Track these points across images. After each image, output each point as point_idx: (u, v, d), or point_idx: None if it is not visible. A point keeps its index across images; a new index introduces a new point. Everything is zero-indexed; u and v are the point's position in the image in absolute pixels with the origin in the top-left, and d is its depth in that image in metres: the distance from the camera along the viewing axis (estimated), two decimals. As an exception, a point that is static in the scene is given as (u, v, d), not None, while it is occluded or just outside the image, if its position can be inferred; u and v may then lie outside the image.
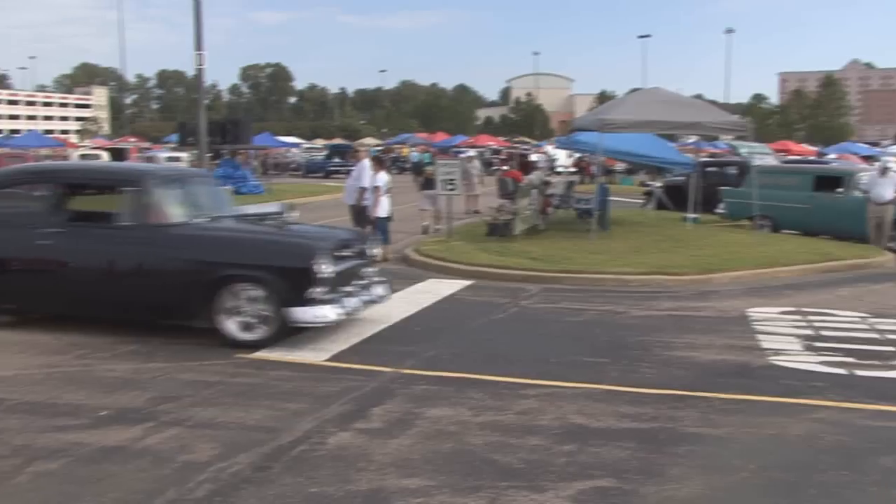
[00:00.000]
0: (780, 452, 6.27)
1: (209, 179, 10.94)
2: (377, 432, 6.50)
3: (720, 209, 21.76)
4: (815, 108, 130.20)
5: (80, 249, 9.50)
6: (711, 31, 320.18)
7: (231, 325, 9.02)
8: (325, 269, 9.03)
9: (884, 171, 18.12)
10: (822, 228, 19.26)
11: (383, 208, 15.61)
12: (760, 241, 17.48)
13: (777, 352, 9.26)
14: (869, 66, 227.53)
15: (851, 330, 10.50)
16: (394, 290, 11.45)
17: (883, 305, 12.13)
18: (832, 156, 48.42)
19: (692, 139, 38.22)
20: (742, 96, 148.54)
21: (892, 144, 72.80)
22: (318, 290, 8.95)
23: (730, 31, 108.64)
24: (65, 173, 11.00)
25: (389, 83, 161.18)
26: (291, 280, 8.92)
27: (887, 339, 10.07)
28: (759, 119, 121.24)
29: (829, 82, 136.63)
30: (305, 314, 8.93)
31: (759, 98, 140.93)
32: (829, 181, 19.80)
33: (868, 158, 43.38)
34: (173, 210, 9.73)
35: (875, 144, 74.84)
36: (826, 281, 14.32)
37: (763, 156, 36.25)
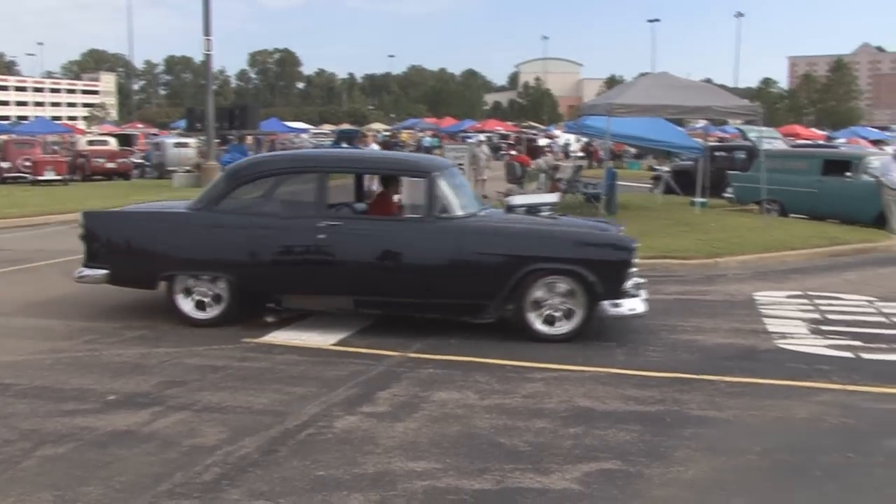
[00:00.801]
0: (785, 435, 6.29)
1: (456, 170, 10.46)
2: (384, 416, 6.52)
3: (728, 193, 21.74)
4: (825, 93, 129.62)
5: (366, 243, 8.98)
6: (721, 15, 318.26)
7: (535, 320, 8.83)
8: (637, 262, 9.04)
9: (896, 155, 18.08)
10: (829, 212, 19.23)
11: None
12: (768, 225, 17.45)
13: (783, 335, 9.27)
14: (880, 49, 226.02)
15: (858, 313, 10.50)
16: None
17: (889, 289, 12.12)
18: (841, 140, 48.34)
19: (701, 123, 38.09)
20: (751, 80, 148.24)
21: (902, 128, 72.47)
22: (631, 282, 8.88)
23: (739, 14, 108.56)
24: (340, 162, 10.42)
25: (398, 68, 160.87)
26: (609, 273, 8.73)
27: (894, 322, 10.08)
28: (769, 103, 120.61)
29: (839, 66, 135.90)
30: (621, 307, 8.81)
31: (768, 82, 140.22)
32: (838, 165, 19.74)
33: (877, 143, 43.26)
34: (460, 202, 9.31)
35: (885, 129, 74.50)
36: (833, 265, 14.31)
37: (772, 140, 36.11)
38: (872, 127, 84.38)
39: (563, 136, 46.83)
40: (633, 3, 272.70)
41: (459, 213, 9.12)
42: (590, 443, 5.99)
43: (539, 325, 8.81)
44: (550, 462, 5.64)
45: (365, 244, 8.93)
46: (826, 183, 19.41)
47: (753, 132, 25.92)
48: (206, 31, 23.34)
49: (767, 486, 5.43)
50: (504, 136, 53.56)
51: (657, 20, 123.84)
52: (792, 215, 19.81)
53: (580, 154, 37.51)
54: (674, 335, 9.23)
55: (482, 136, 41.76)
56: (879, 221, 17.92)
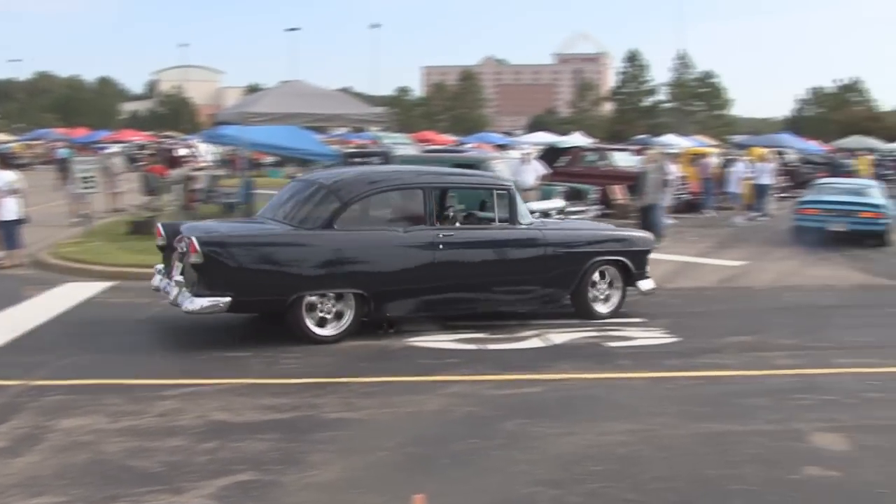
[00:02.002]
0: (415, 428, 6.57)
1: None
2: (1, 452, 6.01)
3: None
4: (456, 101, 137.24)
5: (477, 250, 10.11)
6: (359, 25, 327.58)
7: (593, 301, 10.86)
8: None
9: (525, 158, 19.53)
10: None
11: (9, 210, 14.39)
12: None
13: (416, 332, 9.67)
14: (502, 62, 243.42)
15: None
16: (28, 297, 10.80)
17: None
18: (470, 145, 51.34)
19: (341, 130, 38.95)
20: (388, 89, 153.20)
21: (523, 134, 78.58)
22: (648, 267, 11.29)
23: (376, 25, 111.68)
24: (441, 179, 10.92)
25: (23, 74, 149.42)
26: (641, 261, 11.16)
27: (515, 312, 10.84)
28: (405, 110, 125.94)
29: (467, 76, 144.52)
30: (648, 284, 11.28)
31: (403, 91, 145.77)
32: (464, 167, 20.88)
33: (502, 147, 46.42)
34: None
35: (509, 134, 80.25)
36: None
37: (405, 146, 37.68)
38: (498, 133, 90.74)
39: (202, 146, 45.87)
40: (273, 11, 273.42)
41: (530, 220, 10.77)
42: (225, 456, 5.90)
43: (596, 305, 10.86)
44: (184, 480, 5.48)
45: (476, 251, 10.08)
46: (455, 186, 20.47)
47: (387, 138, 26.91)
48: None
49: (399, 479, 5.63)
50: (142, 147, 51.60)
51: (297, 29, 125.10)
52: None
53: (218, 163, 36.95)
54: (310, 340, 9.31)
55: (117, 147, 39.91)
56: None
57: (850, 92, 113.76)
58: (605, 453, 6.06)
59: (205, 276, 8.92)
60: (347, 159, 24.63)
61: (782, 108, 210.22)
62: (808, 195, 21.72)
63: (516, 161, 20.05)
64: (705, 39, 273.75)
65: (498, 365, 8.42)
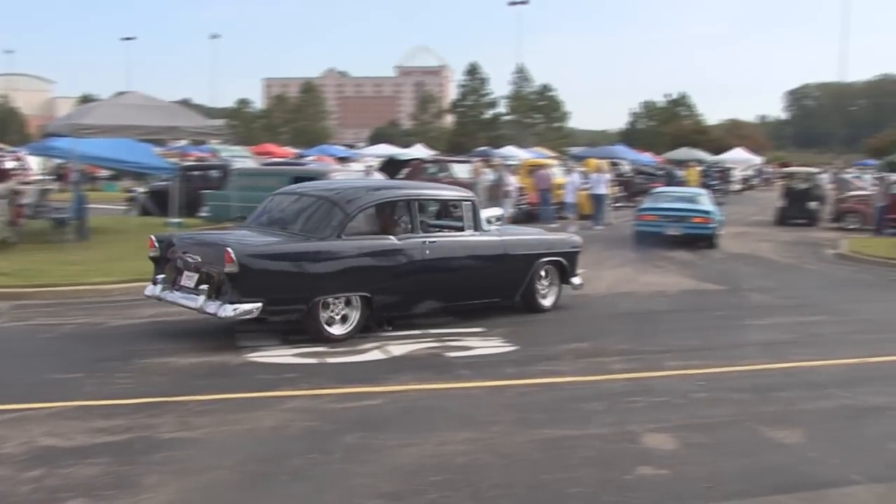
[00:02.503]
0: (253, 445, 6.48)
1: None
2: None
3: (204, 212, 21.89)
4: (297, 113, 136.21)
5: (453, 254, 11.39)
6: (198, 35, 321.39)
7: (539, 297, 12.48)
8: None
9: (368, 171, 19.57)
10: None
11: None
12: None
13: (255, 348, 9.55)
14: (343, 74, 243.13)
15: (324, 321, 11.15)
16: None
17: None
18: (311, 157, 51.03)
19: (181, 143, 38.01)
20: (229, 101, 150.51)
21: (366, 146, 78.74)
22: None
23: (215, 36, 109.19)
24: (424, 192, 12.49)
25: None
26: (574, 261, 13.03)
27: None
28: (245, 123, 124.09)
29: (309, 88, 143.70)
30: (579, 280, 13.11)
31: (244, 102, 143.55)
32: (305, 181, 20.77)
33: (343, 160, 46.38)
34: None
35: (351, 146, 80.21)
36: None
37: (244, 159, 37.15)
38: (341, 145, 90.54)
39: (32, 159, 43.91)
40: (108, 20, 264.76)
41: (488, 227, 12.42)
42: (52, 483, 5.65)
43: (539, 300, 12.46)
44: (6, 511, 5.24)
45: (454, 255, 11.36)
46: (296, 199, 20.35)
47: (226, 151, 26.47)
48: None
49: (237, 498, 5.56)
50: (-36, 160, 48.99)
51: (133, 38, 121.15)
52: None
53: (49, 177, 35.48)
54: (146, 359, 9.04)
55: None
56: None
57: (678, 106, 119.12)
58: (444, 463, 6.12)
59: (239, 285, 9.49)
60: (186, 172, 24.12)
61: (618, 120, 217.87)
62: (646, 203, 23.71)
63: (359, 174, 20.09)
64: (544, 53, 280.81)
65: (338, 378, 8.40)
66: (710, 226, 22.50)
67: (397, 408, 7.54)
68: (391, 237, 10.75)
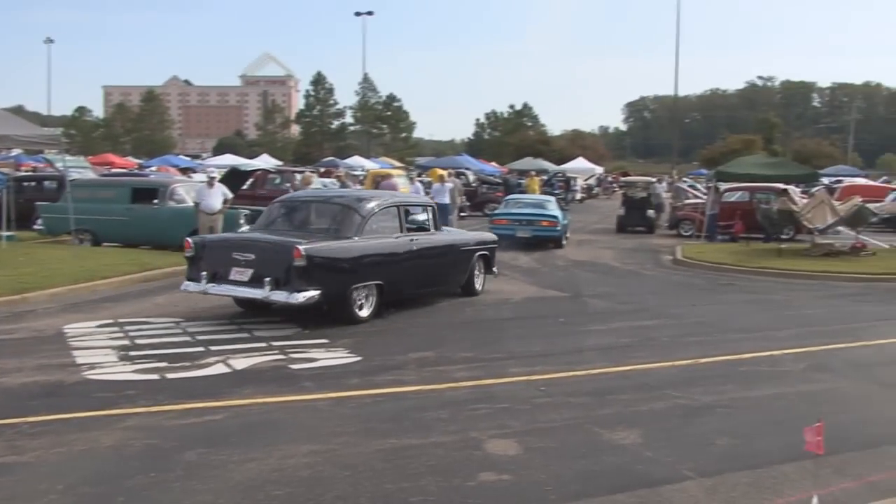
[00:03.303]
0: (90, 467, 6.25)
1: None
2: None
3: (38, 225, 21.03)
4: (139, 122, 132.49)
5: (429, 248, 13.98)
6: (31, 39, 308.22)
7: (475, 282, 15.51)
8: None
9: (211, 182, 19.15)
10: (141, 239, 19.73)
11: None
12: (80, 256, 17.25)
13: (92, 366, 9.24)
14: (188, 82, 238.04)
15: (165, 335, 10.92)
16: None
17: (195, 309, 12.79)
18: (153, 168, 49.73)
19: (15, 152, 36.44)
20: (67, 108, 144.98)
21: (210, 156, 77.28)
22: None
23: (50, 40, 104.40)
24: (409, 200, 15.95)
25: None
26: (494, 253, 16.16)
27: (197, 340, 10.67)
28: (85, 132, 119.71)
29: (151, 97, 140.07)
30: (496, 269, 16.34)
31: (82, 111, 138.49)
32: (146, 193, 20.32)
33: (186, 170, 45.39)
34: None
35: (196, 157, 78.58)
36: (144, 290, 14.69)
37: (81, 169, 35.88)
38: (185, 155, 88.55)
39: None
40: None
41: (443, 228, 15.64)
42: None
43: (478, 286, 15.54)
44: None
45: (430, 250, 13.97)
46: (136, 211, 19.88)
47: (62, 161, 25.46)
48: None
49: (69, 523, 5.35)
50: None
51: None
52: (105, 244, 19.89)
53: None
54: (-27, 380, 8.61)
55: None
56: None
57: (522, 117, 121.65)
58: (287, 477, 6.06)
59: (305, 276, 11.40)
60: (18, 183, 23.13)
61: (465, 131, 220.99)
62: (500, 209, 26.80)
63: (202, 185, 19.70)
64: (390, 64, 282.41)
65: (179, 394, 8.19)
66: (557, 228, 25.18)
67: (240, 422, 7.42)
68: (391, 236, 13.18)
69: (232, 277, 11.78)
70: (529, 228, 24.52)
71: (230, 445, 6.70)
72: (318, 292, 11.43)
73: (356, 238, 12.44)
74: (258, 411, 7.78)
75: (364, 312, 12.25)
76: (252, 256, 11.75)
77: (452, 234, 15.79)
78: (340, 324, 11.74)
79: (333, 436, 7.02)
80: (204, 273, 11.97)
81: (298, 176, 27.35)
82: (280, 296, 11.39)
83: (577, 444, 7.05)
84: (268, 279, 11.38)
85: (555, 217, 25.49)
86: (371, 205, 13.13)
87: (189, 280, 12.31)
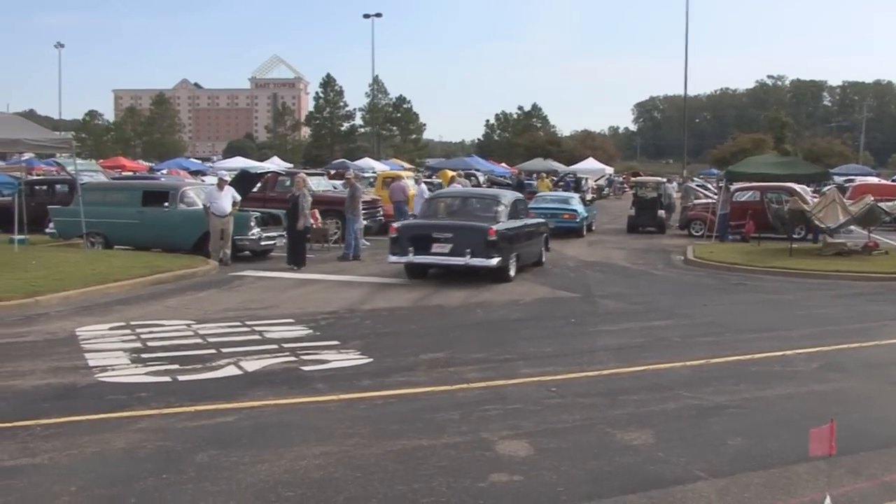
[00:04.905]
0: (102, 469, 6.26)
1: None
2: None
3: (50, 228, 21.12)
4: (150, 125, 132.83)
5: (522, 228, 18.86)
6: (42, 44, 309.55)
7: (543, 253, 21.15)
8: None
9: (220, 185, 19.20)
10: (152, 242, 19.78)
11: None
12: (91, 259, 17.31)
13: (104, 368, 9.27)
14: (198, 85, 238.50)
15: (177, 338, 10.95)
16: None
17: (206, 311, 12.83)
18: (164, 171, 49.89)
19: (25, 157, 36.59)
20: (78, 113, 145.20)
21: (220, 159, 77.44)
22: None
23: (60, 45, 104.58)
24: (517, 198, 20.21)
25: None
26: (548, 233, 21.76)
27: (209, 342, 10.69)
28: (96, 136, 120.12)
29: (161, 100, 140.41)
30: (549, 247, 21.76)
31: (93, 114, 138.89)
32: (157, 196, 20.36)
33: (196, 173, 45.51)
34: None
35: (206, 160, 78.73)
36: (156, 293, 14.72)
37: (93, 173, 36.00)
38: (195, 158, 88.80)
39: None
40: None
41: None
42: None
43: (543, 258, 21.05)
44: None
45: (533, 229, 19.79)
46: (147, 213, 19.93)
47: (72, 165, 25.54)
48: None
49: (82, 525, 5.36)
50: None
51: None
52: (117, 247, 19.96)
53: None
54: (-14, 383, 8.65)
55: None
56: (198, 248, 18.91)
57: (532, 118, 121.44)
58: (299, 478, 6.06)
59: (494, 248, 16.73)
60: (30, 187, 23.23)
61: (475, 132, 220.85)
62: (532, 203, 28.00)
63: (212, 188, 19.75)
64: (399, 65, 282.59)
65: (191, 396, 8.21)
66: (577, 220, 29.67)
67: (251, 424, 7.42)
68: (520, 221, 18.68)
69: (434, 251, 16.85)
70: (554, 220, 26.66)
71: (242, 447, 6.71)
72: (499, 258, 16.67)
73: (504, 222, 17.54)
74: (270, 413, 7.79)
75: (512, 273, 17.55)
76: (450, 235, 16.87)
77: (536, 220, 20.84)
78: (351, 326, 11.74)
79: (345, 437, 7.02)
80: (410, 248, 16.88)
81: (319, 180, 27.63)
82: (478, 261, 16.55)
83: (589, 445, 7.02)
84: (468, 250, 16.50)
85: (575, 211, 29.86)
86: (507, 199, 18.75)
87: (393, 254, 17.25)
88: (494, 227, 16.74)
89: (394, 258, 17.20)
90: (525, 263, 18.79)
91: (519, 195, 21.39)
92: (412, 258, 16.90)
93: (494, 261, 16.55)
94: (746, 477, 6.28)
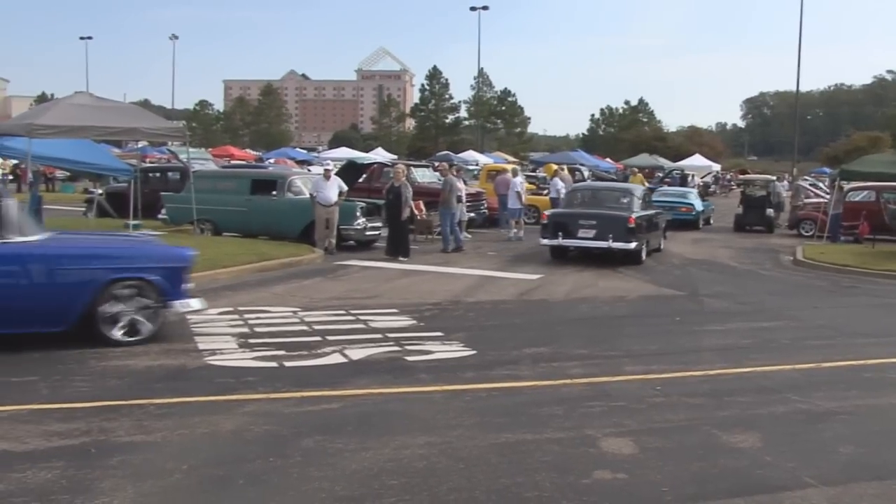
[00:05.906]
0: (211, 449, 6.43)
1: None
2: None
3: (162, 214, 21.73)
4: (257, 115, 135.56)
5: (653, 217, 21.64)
6: (156, 36, 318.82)
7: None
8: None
9: (327, 175, 19.49)
10: (259, 230, 20.16)
11: None
12: (201, 245, 17.58)
13: (213, 352, 9.50)
14: (305, 76, 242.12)
15: (283, 324, 11.15)
16: None
17: (311, 299, 13.03)
18: (271, 160, 50.85)
19: (139, 145, 37.67)
20: (189, 102, 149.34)
21: (326, 149, 78.52)
22: None
23: (174, 37, 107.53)
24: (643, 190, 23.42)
25: None
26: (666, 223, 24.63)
27: (314, 329, 10.85)
28: (206, 125, 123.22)
29: (269, 91, 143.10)
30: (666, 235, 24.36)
31: (204, 104, 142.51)
32: (265, 185, 20.76)
33: (303, 163, 46.23)
34: None
35: (312, 150, 79.96)
36: (262, 279, 15.02)
37: (203, 161, 36.90)
38: (301, 148, 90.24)
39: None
40: (65, 18, 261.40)
41: None
42: (5, 489, 5.56)
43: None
44: (-42, 516, 5.15)
45: (654, 218, 21.95)
46: (255, 202, 20.33)
47: (184, 153, 26.20)
48: None
49: (193, 502, 5.50)
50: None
51: (90, 38, 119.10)
52: (225, 234, 20.41)
53: (4, 177, 35.09)
54: (103, 362, 8.95)
55: None
56: (304, 236, 19.23)
57: (638, 112, 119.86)
58: (403, 467, 6.11)
59: (633, 233, 19.02)
60: (144, 174, 23.92)
61: (579, 126, 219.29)
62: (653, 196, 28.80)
63: (319, 177, 20.04)
64: (505, 58, 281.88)
65: (296, 382, 8.35)
66: (693, 213, 32.00)
67: (356, 412, 7.51)
68: (649, 210, 21.09)
69: (580, 235, 19.24)
70: (671, 213, 28.28)
71: (346, 434, 6.79)
72: (636, 243, 19.06)
73: (638, 211, 19.76)
74: (374, 401, 7.87)
75: (643, 256, 19.70)
76: (594, 222, 19.20)
77: (658, 210, 22.89)
78: (455, 318, 11.79)
79: (449, 428, 7.04)
80: (559, 233, 19.30)
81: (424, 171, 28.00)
82: (619, 245, 18.86)
83: (694, 446, 6.90)
84: (610, 235, 18.84)
85: (692, 204, 32.39)
86: (639, 192, 21.62)
87: (544, 238, 19.69)
88: (633, 216, 19.11)
89: (545, 241, 19.60)
90: (651, 249, 20.79)
91: (646, 188, 24.45)
92: (561, 241, 19.32)
93: (633, 245, 18.94)
94: (860, 487, 6.08)
